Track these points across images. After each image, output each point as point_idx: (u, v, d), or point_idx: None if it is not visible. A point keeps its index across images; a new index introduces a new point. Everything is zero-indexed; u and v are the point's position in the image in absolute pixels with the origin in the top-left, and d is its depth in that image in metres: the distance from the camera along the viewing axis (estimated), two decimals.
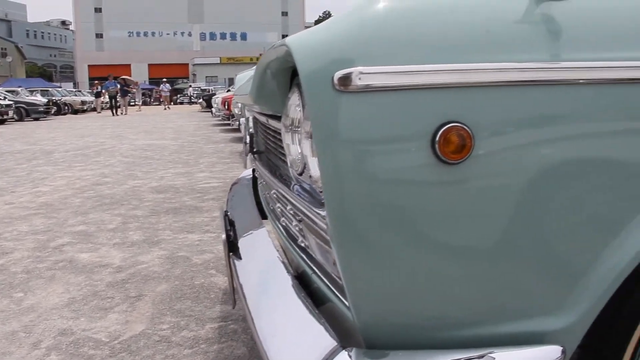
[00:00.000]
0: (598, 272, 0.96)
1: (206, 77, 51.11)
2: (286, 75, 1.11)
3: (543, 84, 0.88)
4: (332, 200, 0.85)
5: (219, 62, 53.55)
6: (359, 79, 0.81)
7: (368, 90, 0.82)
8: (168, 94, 33.35)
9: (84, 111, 28.12)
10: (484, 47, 0.87)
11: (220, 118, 14.90)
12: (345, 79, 0.82)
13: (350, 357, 0.90)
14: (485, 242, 0.89)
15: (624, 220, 0.95)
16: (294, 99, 1.07)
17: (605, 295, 0.97)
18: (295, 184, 1.18)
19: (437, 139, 0.82)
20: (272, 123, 1.51)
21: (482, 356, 0.90)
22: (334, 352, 0.92)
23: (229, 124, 13.48)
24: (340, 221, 0.86)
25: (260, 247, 1.50)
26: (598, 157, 0.91)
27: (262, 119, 1.72)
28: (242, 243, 1.60)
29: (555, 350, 0.93)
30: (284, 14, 63.38)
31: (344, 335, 0.99)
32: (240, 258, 1.53)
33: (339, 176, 0.84)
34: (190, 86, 43.42)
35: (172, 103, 36.71)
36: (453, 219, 0.86)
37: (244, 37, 61.02)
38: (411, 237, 0.87)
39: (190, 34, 61.05)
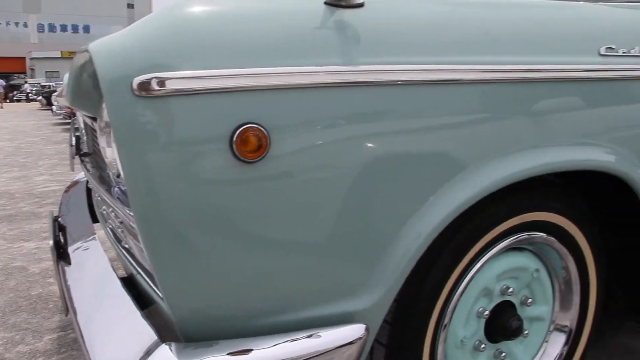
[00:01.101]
0: (393, 257, 1.07)
1: (46, 72, 47.49)
2: (96, 79, 1.11)
3: (334, 87, 0.96)
4: (136, 202, 0.88)
5: (59, 56, 49.97)
6: (158, 84, 0.85)
7: (167, 95, 0.85)
8: (2, 90, 30.63)
9: None
10: (280, 52, 0.94)
11: (61, 117, 14.00)
12: (144, 85, 0.84)
13: (170, 350, 0.93)
14: (288, 235, 0.97)
15: (412, 209, 1.07)
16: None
17: (400, 278, 1.09)
18: (114, 186, 1.19)
19: (235, 139, 0.87)
20: (95, 124, 1.49)
21: (293, 340, 0.98)
22: (153, 347, 0.95)
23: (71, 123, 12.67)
24: (144, 221, 0.89)
25: (90, 252, 1.48)
26: (385, 151, 1.02)
27: (87, 120, 1.68)
28: (72, 248, 1.56)
29: (359, 328, 1.04)
30: (130, 5, 60.58)
31: (168, 332, 1.02)
32: (69, 264, 1.50)
33: (142, 179, 0.87)
34: (26, 82, 39.98)
35: (7, 100, 33.73)
36: (255, 215, 0.93)
37: (86, 29, 57.45)
38: (216, 233, 0.92)
39: (26, 25, 56.33)
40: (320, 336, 0.99)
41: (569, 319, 1.48)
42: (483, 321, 1.36)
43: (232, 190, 0.90)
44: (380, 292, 1.07)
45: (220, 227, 0.91)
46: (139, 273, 1.19)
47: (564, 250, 1.39)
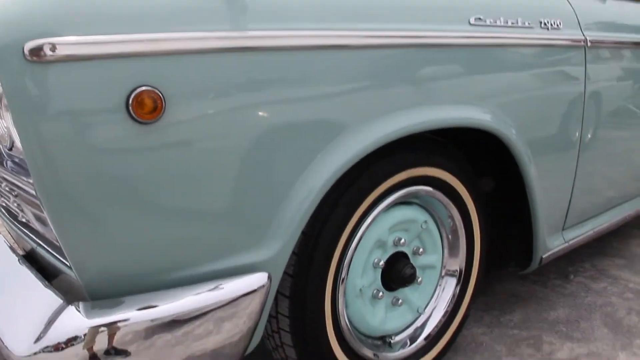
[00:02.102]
0: (288, 211, 1.15)
1: None
2: None
3: (224, 52, 1.02)
4: (35, 172, 0.91)
5: None
6: (51, 49, 0.87)
7: (60, 60, 0.88)
8: None
9: None
10: (170, 18, 0.98)
11: None
12: (36, 50, 0.86)
13: (78, 310, 0.97)
14: (186, 195, 1.03)
15: (302, 167, 1.15)
16: None
17: (296, 230, 1.17)
18: (7, 160, 1.19)
19: (131, 101, 0.92)
20: None
21: (198, 293, 1.04)
22: (60, 309, 0.98)
23: None
24: (45, 190, 0.92)
25: None
26: (275, 114, 1.09)
27: None
28: None
29: (261, 276, 1.11)
30: None
31: (75, 298, 1.05)
32: None
33: (38, 145, 0.89)
34: None
35: None
36: (153, 176, 0.98)
37: None
38: (116, 196, 0.96)
39: None
40: (223, 287, 1.06)
41: (458, 263, 1.62)
42: (379, 271, 1.47)
43: (129, 153, 0.95)
44: (279, 244, 1.14)
45: (120, 190, 0.96)
46: (39, 245, 1.20)
47: (448, 201, 1.52)
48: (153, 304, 1.00)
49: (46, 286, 1.07)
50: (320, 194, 1.18)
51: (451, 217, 1.56)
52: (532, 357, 1.77)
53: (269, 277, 1.11)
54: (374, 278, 1.47)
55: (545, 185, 1.72)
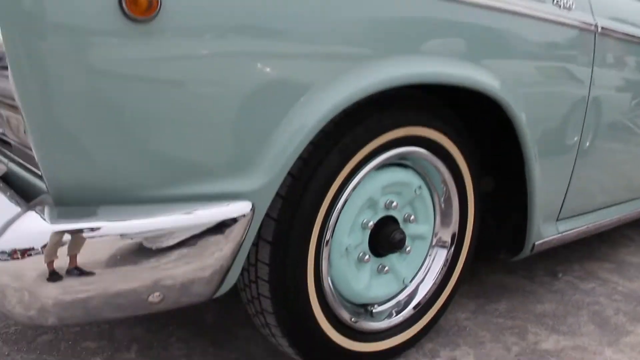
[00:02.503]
0: (278, 143, 1.08)
1: None
2: None
3: None
4: (17, 70, 0.84)
5: None
6: None
7: None
8: None
9: None
10: None
11: None
12: None
13: (41, 215, 0.89)
14: (171, 109, 0.95)
15: (295, 98, 1.08)
16: None
17: (285, 165, 1.10)
18: None
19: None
20: None
21: (174, 213, 0.96)
22: (21, 213, 0.90)
23: None
24: (27, 93, 0.85)
25: None
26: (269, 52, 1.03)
27: None
28: None
29: (244, 205, 1.03)
30: None
31: None
32: None
33: (23, 46, 0.82)
34: None
35: None
36: (142, 87, 0.91)
37: None
38: (103, 103, 0.89)
39: None
40: (202, 210, 0.98)
41: (449, 234, 1.55)
42: (368, 233, 1.40)
43: (119, 58, 0.88)
44: (264, 177, 1.07)
45: (104, 97, 0.89)
46: (10, 160, 1.12)
47: (443, 166, 1.45)
48: (124, 217, 0.92)
49: (9, 194, 0.98)
50: (310, 134, 1.11)
51: (444, 182, 1.49)
52: (516, 345, 1.70)
53: (252, 209, 1.03)
54: (362, 239, 1.40)
55: (545, 168, 1.66)
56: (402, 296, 1.55)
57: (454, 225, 1.55)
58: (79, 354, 1.44)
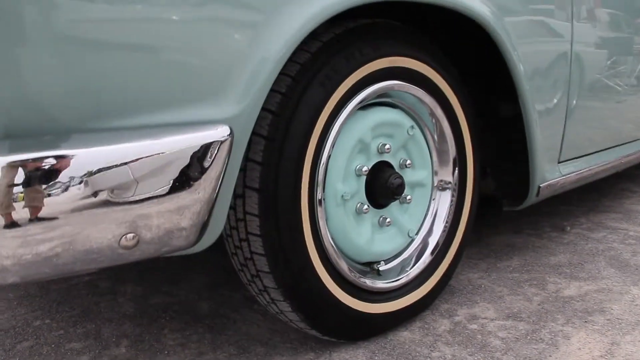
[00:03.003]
0: (250, 64, 0.97)
1: None
2: None
3: None
4: None
5: None
6: None
7: None
8: None
9: None
10: None
11: None
12: None
13: None
14: (143, 35, 0.86)
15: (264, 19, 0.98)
16: None
17: (261, 90, 1.00)
18: None
19: None
20: None
21: (143, 139, 0.84)
22: None
23: None
24: None
25: None
26: None
27: None
28: None
29: (222, 129, 0.92)
30: None
31: None
32: None
33: None
34: None
35: None
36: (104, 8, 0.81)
37: None
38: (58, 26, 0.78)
39: None
40: (176, 135, 0.86)
41: (450, 173, 1.44)
42: (363, 180, 1.28)
43: None
44: (237, 104, 0.96)
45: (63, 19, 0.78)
46: None
47: (430, 99, 1.35)
48: (89, 145, 0.80)
49: None
50: (281, 61, 1.01)
51: (435, 118, 1.38)
52: (537, 295, 1.58)
53: (231, 134, 0.92)
54: (357, 188, 1.28)
55: (539, 105, 1.57)
56: (409, 251, 1.43)
57: (454, 164, 1.43)
58: (64, 355, 1.29)
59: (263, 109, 1.08)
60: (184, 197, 0.88)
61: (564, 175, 1.78)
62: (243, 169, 1.09)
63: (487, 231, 2.09)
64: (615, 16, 2.05)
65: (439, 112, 1.37)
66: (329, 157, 1.18)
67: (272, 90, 1.09)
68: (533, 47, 1.54)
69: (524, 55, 1.48)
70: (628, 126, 2.29)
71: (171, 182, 0.85)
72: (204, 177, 0.89)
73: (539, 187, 1.66)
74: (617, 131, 2.17)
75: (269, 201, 1.09)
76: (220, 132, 0.90)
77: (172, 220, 0.88)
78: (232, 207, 1.12)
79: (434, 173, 1.44)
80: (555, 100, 1.66)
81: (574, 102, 1.78)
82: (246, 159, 1.09)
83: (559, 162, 1.79)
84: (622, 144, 2.19)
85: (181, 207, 0.88)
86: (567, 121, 1.75)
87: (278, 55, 1.00)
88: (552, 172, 1.73)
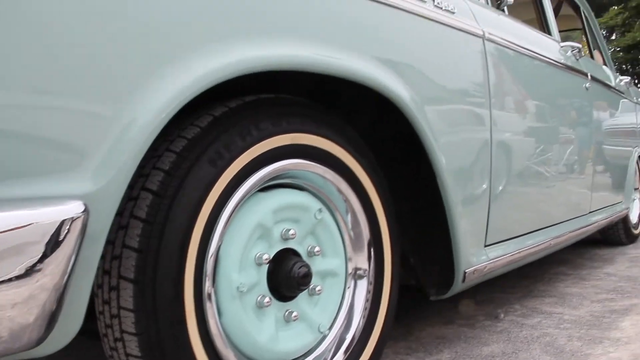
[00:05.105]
0: (118, 136, 0.85)
1: None
2: None
3: None
4: None
5: None
6: None
7: None
8: None
9: None
10: None
11: None
12: None
13: None
14: None
15: (129, 90, 0.87)
16: None
17: (130, 164, 0.87)
18: None
19: None
20: None
21: None
22: None
23: None
24: None
25: None
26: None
27: None
28: None
29: (74, 206, 0.78)
30: None
31: None
32: None
33: None
34: None
35: None
36: None
37: None
38: None
39: None
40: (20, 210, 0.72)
41: (365, 260, 1.32)
42: (265, 270, 1.15)
43: None
44: (99, 179, 0.83)
45: None
46: None
47: (340, 179, 1.25)
48: None
49: None
50: (149, 137, 0.89)
51: (347, 201, 1.28)
52: None
53: (86, 211, 0.78)
54: (258, 279, 1.14)
55: (458, 183, 1.50)
56: (321, 349, 1.28)
57: (369, 250, 1.32)
58: None
59: (144, 188, 0.97)
60: (24, 284, 0.72)
61: (491, 259, 1.70)
62: (118, 257, 0.95)
63: (417, 323, 1.96)
64: (539, 107, 2.08)
65: (350, 195, 1.27)
66: (219, 244, 1.05)
67: (154, 167, 0.98)
68: (452, 135, 1.51)
69: (444, 143, 1.44)
70: (559, 209, 2.27)
71: (8, 264, 0.70)
72: (49, 259, 0.74)
73: (465, 272, 1.56)
74: (547, 214, 2.13)
75: (146, 294, 0.94)
76: (71, 209, 0.77)
77: (6, 312, 0.72)
78: (107, 302, 0.97)
79: (348, 260, 1.32)
80: (477, 186, 1.61)
81: (499, 187, 1.73)
82: (122, 245, 0.95)
83: (486, 246, 1.72)
84: (553, 225, 2.15)
85: (20, 296, 0.72)
86: (491, 206, 1.69)
87: (144, 131, 0.88)
88: (478, 256, 1.65)
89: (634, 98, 3.65)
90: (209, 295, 1.04)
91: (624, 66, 17.14)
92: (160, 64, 0.91)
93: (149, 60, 0.90)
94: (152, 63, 0.90)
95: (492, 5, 2.04)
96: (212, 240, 1.03)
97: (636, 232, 3.58)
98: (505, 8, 2.12)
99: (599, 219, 2.75)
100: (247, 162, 1.07)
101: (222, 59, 0.98)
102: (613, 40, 17.48)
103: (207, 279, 1.03)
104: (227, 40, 0.99)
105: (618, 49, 16.56)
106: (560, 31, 3.81)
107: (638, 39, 15.33)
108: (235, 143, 1.05)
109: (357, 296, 1.33)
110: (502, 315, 2.01)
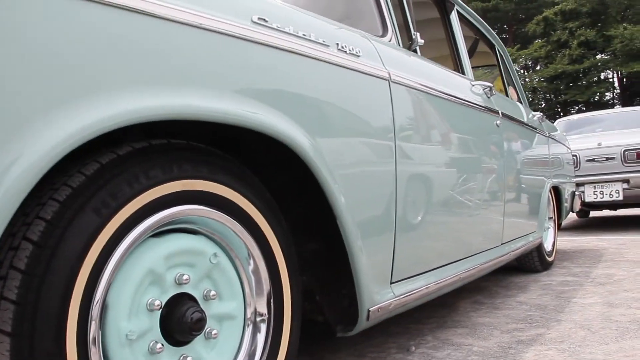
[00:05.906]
0: None
1: None
2: None
3: None
4: None
5: None
6: None
7: None
8: None
9: None
10: None
11: None
12: None
13: None
14: None
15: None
16: None
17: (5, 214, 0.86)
18: None
19: None
20: None
21: None
22: None
23: None
24: None
25: None
26: None
27: None
28: None
29: None
30: None
31: None
32: None
33: None
34: None
35: None
36: None
37: None
38: None
39: None
40: None
41: (265, 304, 1.33)
42: (157, 316, 1.14)
43: None
44: None
45: None
46: None
47: (235, 223, 1.26)
48: None
49: None
50: (23, 190, 0.88)
51: (244, 244, 1.29)
52: None
53: None
54: (150, 324, 1.13)
55: (359, 223, 1.54)
56: None
57: (268, 293, 1.33)
58: None
59: (25, 238, 0.95)
60: None
61: (397, 296, 1.73)
62: None
63: (329, 355, 1.98)
64: (447, 143, 2.14)
65: (249, 240, 1.29)
66: (106, 292, 1.04)
67: (37, 217, 0.97)
68: (354, 178, 1.54)
69: (344, 184, 1.47)
70: (471, 241, 2.34)
71: None
72: None
73: (369, 310, 1.59)
74: (458, 247, 2.20)
75: (23, 348, 0.92)
76: None
77: None
78: None
79: (247, 305, 1.33)
80: (380, 225, 1.65)
81: (404, 225, 1.77)
82: (0, 297, 0.93)
83: (392, 283, 1.75)
84: (464, 258, 2.22)
85: None
86: (396, 243, 1.73)
87: (17, 185, 0.87)
88: (383, 294, 1.68)
89: (546, 132, 3.83)
90: (95, 344, 1.02)
91: (547, 95, 18.03)
92: (47, 108, 0.90)
93: (34, 104, 0.89)
94: (38, 106, 0.90)
95: (404, 46, 2.12)
96: (97, 290, 1.02)
97: (550, 259, 3.74)
98: (417, 48, 2.20)
99: (512, 249, 2.86)
100: (135, 209, 1.07)
101: (110, 109, 0.99)
102: (538, 70, 18.37)
103: (92, 324, 1.01)
104: (115, 89, 1.00)
105: (542, 79, 17.45)
106: (479, 67, 3.97)
107: (559, 70, 16.25)
108: (123, 191, 1.05)
109: (258, 338, 1.33)
110: (413, 348, 2.05)
